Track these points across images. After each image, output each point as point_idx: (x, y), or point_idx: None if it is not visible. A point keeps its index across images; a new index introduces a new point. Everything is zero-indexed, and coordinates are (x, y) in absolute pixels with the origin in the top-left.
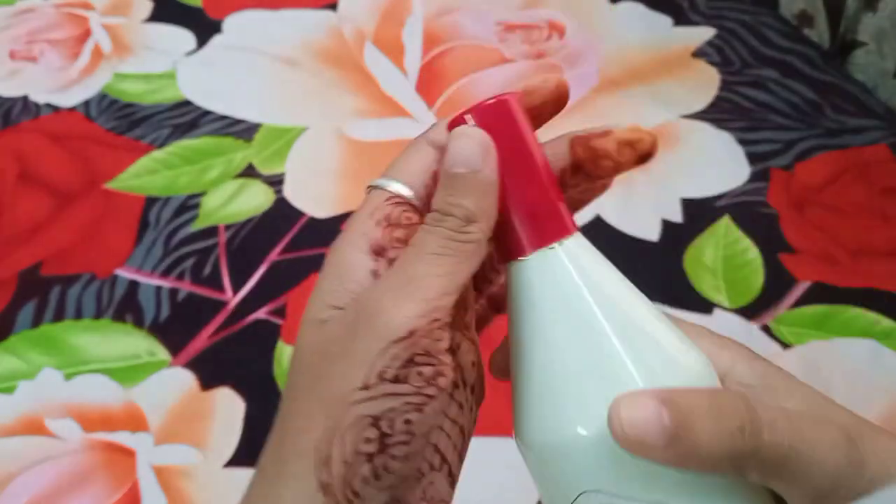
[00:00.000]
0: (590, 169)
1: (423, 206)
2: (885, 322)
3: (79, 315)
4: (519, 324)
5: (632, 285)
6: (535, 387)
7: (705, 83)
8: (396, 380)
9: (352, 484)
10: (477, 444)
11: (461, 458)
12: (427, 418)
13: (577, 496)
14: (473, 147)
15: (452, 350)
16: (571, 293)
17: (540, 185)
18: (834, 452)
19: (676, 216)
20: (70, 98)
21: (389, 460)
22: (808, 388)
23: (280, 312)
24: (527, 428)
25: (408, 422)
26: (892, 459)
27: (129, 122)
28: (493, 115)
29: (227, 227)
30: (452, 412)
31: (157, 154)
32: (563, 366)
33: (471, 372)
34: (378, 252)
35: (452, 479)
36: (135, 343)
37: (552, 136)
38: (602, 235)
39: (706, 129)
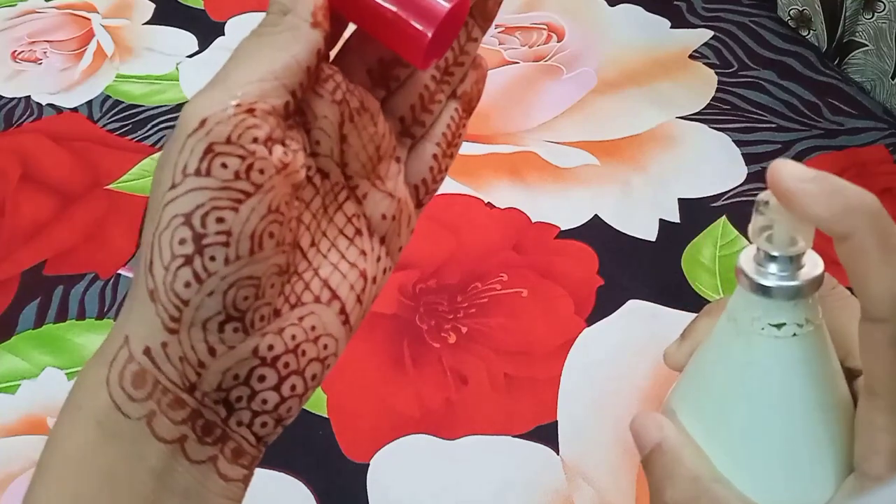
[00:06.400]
0: (481, 9)
1: None
2: None
3: (81, 315)
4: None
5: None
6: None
7: (703, 85)
8: (199, 173)
9: (174, 289)
10: (477, 444)
11: (361, 302)
12: (250, 221)
13: None
14: None
15: (286, 146)
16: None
17: None
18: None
19: (674, 216)
20: (72, 99)
21: (209, 262)
22: None
23: None
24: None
25: (220, 220)
26: None
27: (132, 123)
28: None
29: None
30: (321, 232)
31: (159, 155)
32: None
33: (381, 222)
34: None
35: (345, 318)
36: None
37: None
38: (600, 235)
39: (703, 131)
